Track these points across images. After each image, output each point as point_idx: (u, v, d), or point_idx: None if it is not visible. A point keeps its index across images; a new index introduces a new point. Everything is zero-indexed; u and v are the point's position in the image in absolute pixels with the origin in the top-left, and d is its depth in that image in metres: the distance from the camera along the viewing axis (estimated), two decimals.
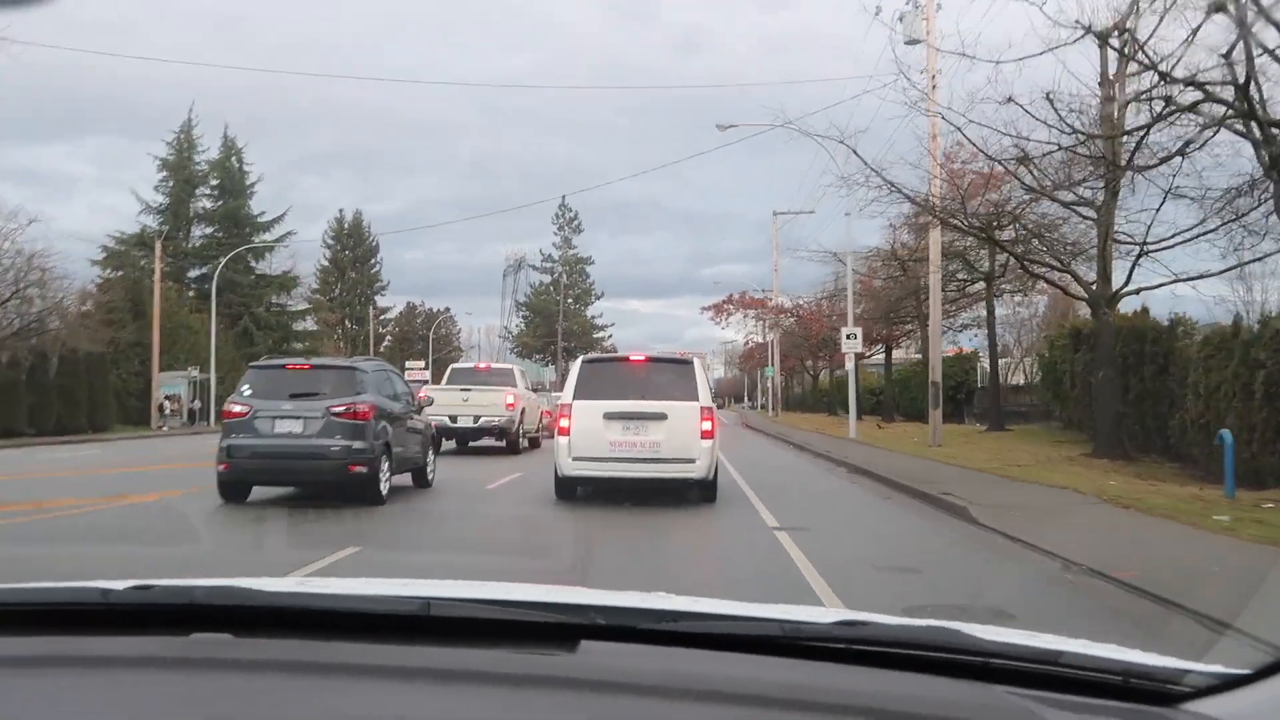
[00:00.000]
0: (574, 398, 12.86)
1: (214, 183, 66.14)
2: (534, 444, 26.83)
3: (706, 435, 12.52)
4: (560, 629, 1.56)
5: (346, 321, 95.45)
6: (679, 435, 12.44)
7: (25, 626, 1.59)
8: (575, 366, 13.77)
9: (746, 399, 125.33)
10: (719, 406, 19.17)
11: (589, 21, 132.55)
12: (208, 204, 66.32)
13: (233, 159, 67.13)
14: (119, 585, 1.66)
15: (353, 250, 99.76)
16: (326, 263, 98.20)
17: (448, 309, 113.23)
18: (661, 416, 12.50)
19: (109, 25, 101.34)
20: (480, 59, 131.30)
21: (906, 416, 44.17)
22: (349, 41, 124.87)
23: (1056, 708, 1.32)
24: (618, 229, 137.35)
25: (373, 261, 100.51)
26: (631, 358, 14.05)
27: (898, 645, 1.51)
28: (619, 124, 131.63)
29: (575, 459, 12.66)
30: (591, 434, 12.55)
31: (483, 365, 30.36)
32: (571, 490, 13.17)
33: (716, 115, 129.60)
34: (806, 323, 45.19)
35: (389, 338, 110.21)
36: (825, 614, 1.87)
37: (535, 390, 31.24)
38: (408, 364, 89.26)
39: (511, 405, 24.07)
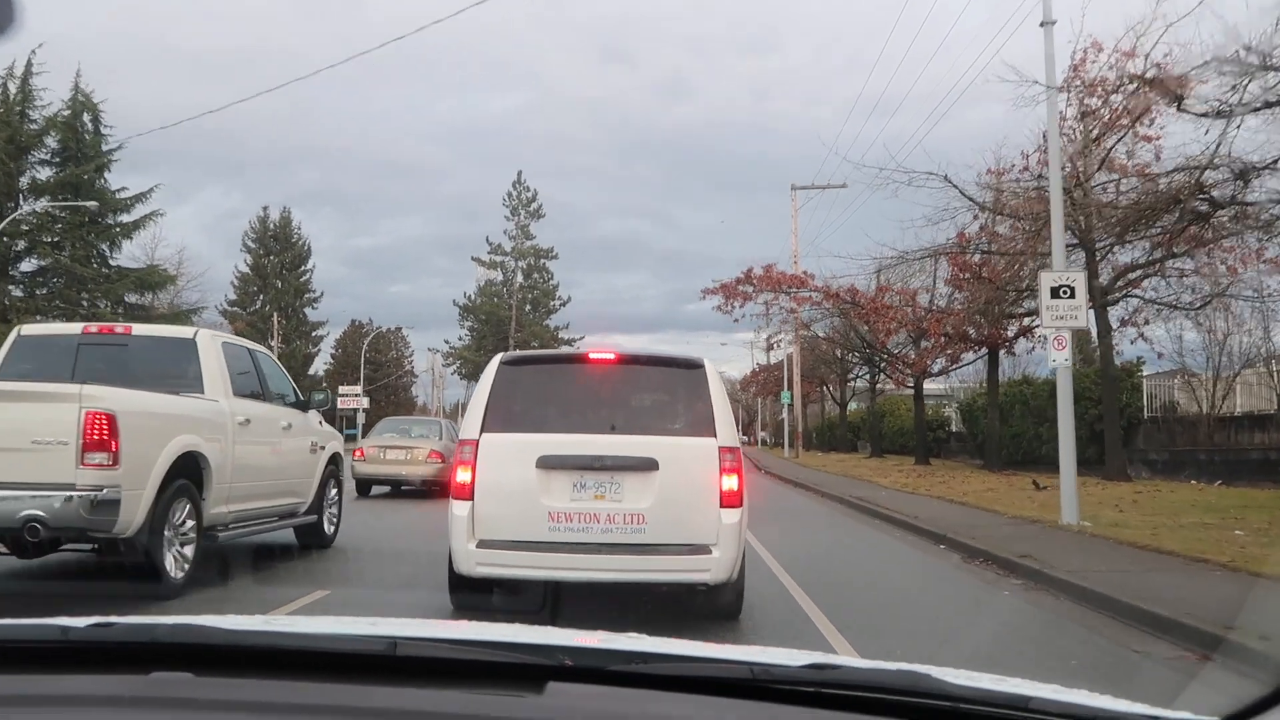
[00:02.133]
0: (483, 429, 7.02)
1: (53, 145, 49.86)
2: (317, 536, 11.11)
3: (730, 500, 6.82)
4: (528, 669, 1.51)
5: (270, 339, 79.16)
6: (681, 501, 6.84)
7: None
8: (488, 372, 7.40)
9: (743, 434, 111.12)
10: None
11: (574, 65, 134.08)
12: (46, 173, 50.02)
13: (84, 118, 50.98)
14: (79, 622, 1.60)
15: (279, 255, 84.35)
16: (247, 269, 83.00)
17: (399, 328, 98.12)
18: (648, 465, 6.83)
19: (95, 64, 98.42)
20: (466, 102, 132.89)
21: (1011, 463, 28.07)
22: (336, 84, 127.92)
23: None
24: (600, 266, 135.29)
25: (302, 269, 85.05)
26: (591, 356, 7.52)
27: (867, 689, 1.47)
28: (603, 165, 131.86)
29: (484, 545, 6.84)
30: (515, 497, 6.89)
31: (104, 328, 10.05)
32: (477, 595, 7.17)
33: (700, 156, 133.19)
34: (868, 313, 28.95)
35: (330, 359, 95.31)
36: (796, 656, 1.65)
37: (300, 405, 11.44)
38: (341, 389, 74.46)
39: (103, 449, 7.50)
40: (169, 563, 8.15)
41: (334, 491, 11.84)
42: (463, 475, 6.95)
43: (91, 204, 42.34)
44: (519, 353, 8.30)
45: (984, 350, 29.86)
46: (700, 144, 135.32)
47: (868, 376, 48.41)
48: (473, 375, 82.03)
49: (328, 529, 11.54)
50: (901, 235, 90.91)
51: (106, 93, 71.97)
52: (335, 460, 11.93)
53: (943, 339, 28.31)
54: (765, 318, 33.08)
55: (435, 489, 18.96)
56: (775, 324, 35.99)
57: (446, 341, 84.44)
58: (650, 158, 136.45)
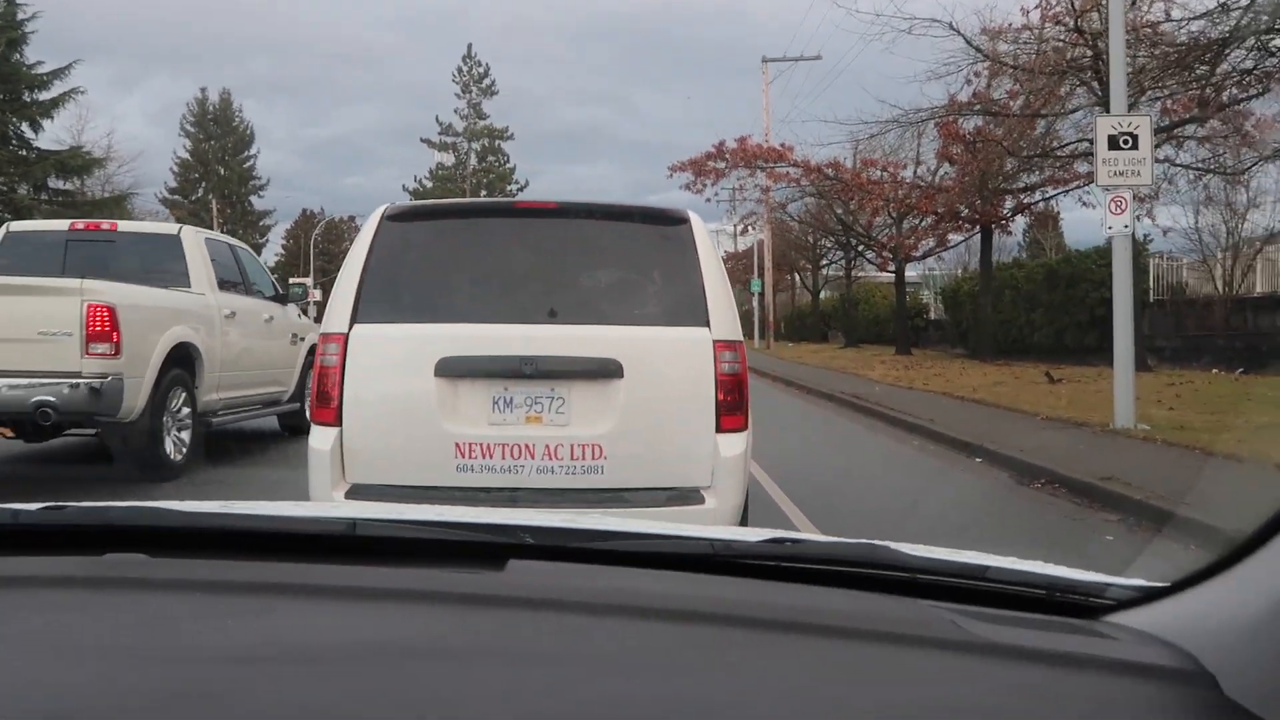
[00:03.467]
0: (354, 318, 4.81)
1: None
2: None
3: (732, 420, 4.70)
4: (488, 548, 1.50)
5: (212, 228, 75.44)
6: (657, 423, 4.75)
7: None
8: (364, 232, 5.12)
9: None
10: None
11: None
12: None
13: None
14: (31, 507, 1.58)
15: (219, 140, 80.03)
16: (186, 154, 78.67)
17: (351, 218, 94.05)
18: (606, 371, 4.69)
19: None
20: None
21: (1000, 352, 26.09)
22: None
23: (980, 620, 1.29)
24: (561, 157, 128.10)
25: (246, 155, 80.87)
26: (519, 205, 5.76)
27: (826, 562, 1.50)
28: (561, 51, 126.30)
29: (358, 492, 4.60)
30: (404, 421, 4.80)
31: (90, 224, 10.77)
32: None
33: (660, 40, 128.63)
34: (851, 189, 26.19)
35: (281, 250, 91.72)
36: (756, 533, 1.67)
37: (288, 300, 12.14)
38: (291, 280, 71.64)
39: (105, 339, 8.08)
40: (169, 446, 8.85)
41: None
42: (325, 388, 4.78)
43: (41, 101, 38.36)
44: (411, 204, 6.02)
45: (974, 230, 27.54)
46: (660, 27, 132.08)
47: (842, 262, 46.17)
48: None
49: (309, 416, 11.47)
50: (885, 108, 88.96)
51: None
52: (314, 351, 11.32)
53: (933, 217, 25.95)
54: (738, 197, 30.26)
55: None
56: (749, 204, 33.04)
57: None
58: (609, 41, 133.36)
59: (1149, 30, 17.88)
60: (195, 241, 10.20)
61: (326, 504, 1.91)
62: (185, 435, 9.15)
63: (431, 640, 1.21)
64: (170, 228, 10.78)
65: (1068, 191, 24.25)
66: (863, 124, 22.75)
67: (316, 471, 4.75)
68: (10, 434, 8.88)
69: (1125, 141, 10.39)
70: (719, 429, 4.70)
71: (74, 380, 8.01)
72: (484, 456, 4.68)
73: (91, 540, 1.46)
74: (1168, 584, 1.34)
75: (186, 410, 9.19)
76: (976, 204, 25.20)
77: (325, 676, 1.12)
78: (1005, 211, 25.67)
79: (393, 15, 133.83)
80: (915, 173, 29.72)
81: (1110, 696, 1.14)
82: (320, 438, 4.77)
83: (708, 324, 4.79)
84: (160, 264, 9.86)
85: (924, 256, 31.64)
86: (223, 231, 70.10)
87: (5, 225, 10.57)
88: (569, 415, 4.73)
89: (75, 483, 8.81)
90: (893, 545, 1.54)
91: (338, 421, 4.74)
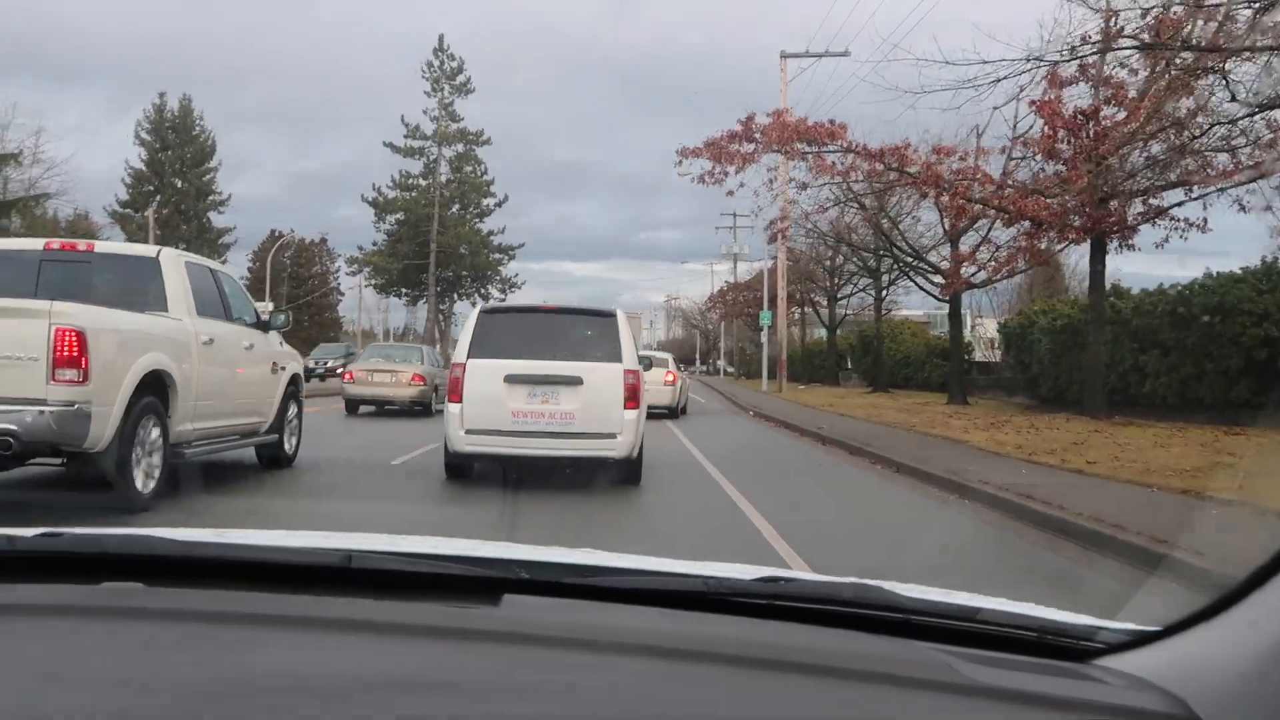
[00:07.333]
0: (469, 356, 10.73)
1: None
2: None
3: (631, 405, 10.60)
4: (484, 583, 1.52)
5: (179, 244, 68.61)
6: (597, 405, 10.53)
7: None
8: (472, 318, 11.44)
9: (700, 363, 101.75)
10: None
11: None
12: None
13: None
14: (27, 532, 1.60)
15: (177, 150, 73.28)
16: (141, 164, 71.88)
17: (323, 239, 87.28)
18: (576, 381, 10.56)
19: None
20: (412, 19, 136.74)
21: (1067, 406, 19.50)
22: None
23: (973, 662, 1.29)
24: (551, 193, 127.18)
25: (206, 167, 74.08)
26: (542, 307, 11.84)
27: (819, 601, 1.51)
28: (551, 87, 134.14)
29: (470, 432, 10.52)
30: (490, 401, 10.52)
31: (65, 244, 10.34)
32: (465, 469, 11.14)
33: (647, 78, 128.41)
34: (921, 184, 19.46)
35: (247, 272, 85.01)
36: (749, 571, 1.69)
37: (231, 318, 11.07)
38: (273, 308, 65.02)
39: (73, 365, 7.89)
40: (138, 478, 8.57)
41: (294, 411, 12.36)
42: (455, 386, 10.55)
43: None
44: (495, 304, 15.80)
45: (1072, 243, 20.93)
46: (651, 67, 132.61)
47: (865, 292, 39.73)
48: (387, 287, 70.49)
49: (288, 448, 12.13)
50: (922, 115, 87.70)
51: None
52: (295, 381, 12.47)
53: (1028, 224, 19.40)
54: (764, 196, 23.14)
55: (418, 409, 21.82)
56: (778, 203, 25.67)
57: (360, 248, 72.06)
58: (600, 81, 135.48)
59: None
60: (174, 264, 10.03)
61: (321, 534, 1.66)
62: (156, 467, 8.85)
63: (426, 674, 1.20)
64: (149, 249, 11.10)
65: (1223, 190, 17.68)
66: (983, 61, 15.83)
67: (451, 422, 10.48)
68: None
69: None
70: (625, 407, 10.44)
71: (39, 408, 7.79)
72: (524, 417, 10.35)
73: (86, 567, 1.47)
74: (1159, 628, 1.33)
75: (159, 440, 8.96)
76: (1086, 209, 18.64)
77: (321, 709, 1.10)
78: (1130, 218, 18.99)
79: (387, 49, 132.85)
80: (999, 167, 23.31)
81: None
82: (453, 408, 10.49)
83: (621, 361, 10.66)
84: (137, 287, 9.69)
85: (999, 280, 24.80)
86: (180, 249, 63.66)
87: None
88: (560, 401, 10.40)
89: (50, 509, 8.48)
90: (886, 586, 1.52)
91: (462, 401, 10.42)
